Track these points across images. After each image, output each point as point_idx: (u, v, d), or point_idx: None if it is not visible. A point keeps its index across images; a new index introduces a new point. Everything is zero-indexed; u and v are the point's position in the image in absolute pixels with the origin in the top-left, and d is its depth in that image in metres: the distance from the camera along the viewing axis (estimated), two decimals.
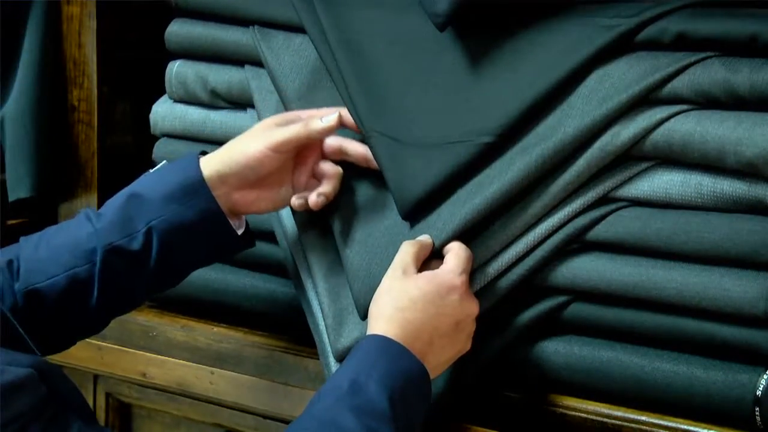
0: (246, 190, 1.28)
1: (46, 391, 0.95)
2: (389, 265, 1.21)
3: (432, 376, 1.16)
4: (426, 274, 1.18)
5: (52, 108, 1.65)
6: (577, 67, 1.22)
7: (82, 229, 1.25)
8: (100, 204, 1.61)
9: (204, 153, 1.30)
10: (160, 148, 1.54)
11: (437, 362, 1.17)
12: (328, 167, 1.30)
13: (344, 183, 1.31)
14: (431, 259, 1.22)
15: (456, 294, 1.18)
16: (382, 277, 1.21)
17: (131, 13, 1.62)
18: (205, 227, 1.26)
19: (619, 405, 1.23)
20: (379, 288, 1.19)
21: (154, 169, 1.30)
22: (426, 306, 1.16)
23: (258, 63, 1.43)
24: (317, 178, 1.31)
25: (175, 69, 1.51)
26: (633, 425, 1.21)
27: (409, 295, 1.16)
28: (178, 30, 1.50)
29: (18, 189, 1.65)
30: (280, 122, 1.29)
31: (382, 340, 1.13)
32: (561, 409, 1.25)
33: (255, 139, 1.27)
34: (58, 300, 1.23)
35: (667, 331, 1.20)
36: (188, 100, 1.51)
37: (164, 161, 1.31)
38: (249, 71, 1.44)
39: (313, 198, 1.28)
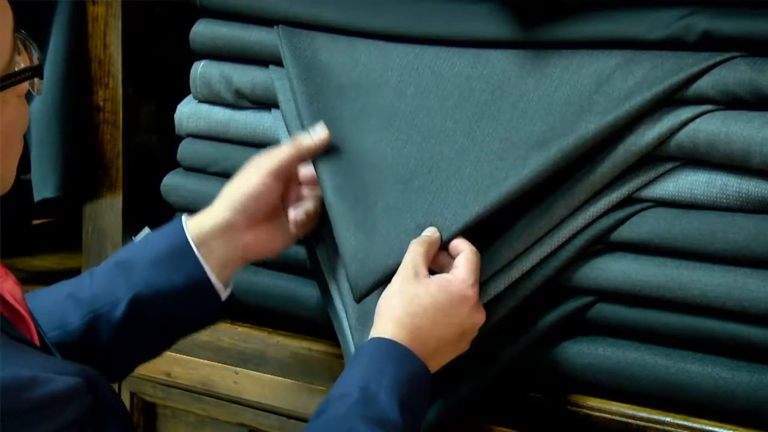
0: (256, 228, 1.28)
1: (92, 401, 0.95)
2: (390, 247, 1.21)
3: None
4: (439, 281, 1.17)
5: (77, 108, 1.65)
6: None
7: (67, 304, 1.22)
8: (125, 204, 1.61)
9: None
10: (184, 148, 1.55)
11: (437, 364, 1.18)
12: (306, 190, 1.32)
13: (339, 165, 1.29)
14: (439, 252, 1.21)
15: (467, 306, 1.17)
16: (382, 260, 1.21)
17: (156, 14, 1.62)
18: (190, 292, 1.24)
19: (643, 406, 1.23)
20: (389, 287, 1.18)
21: (139, 236, 1.29)
22: (436, 314, 1.16)
23: (282, 63, 1.42)
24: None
25: (200, 69, 1.51)
26: (657, 426, 1.21)
27: (420, 301, 1.16)
28: (203, 30, 1.51)
29: (43, 189, 1.66)
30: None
31: (391, 345, 1.13)
32: (585, 410, 1.25)
33: (252, 172, 1.28)
34: None
35: (692, 331, 1.20)
36: (213, 100, 1.51)
37: (146, 229, 1.29)
38: (273, 71, 1.44)
39: (292, 214, 1.30)
